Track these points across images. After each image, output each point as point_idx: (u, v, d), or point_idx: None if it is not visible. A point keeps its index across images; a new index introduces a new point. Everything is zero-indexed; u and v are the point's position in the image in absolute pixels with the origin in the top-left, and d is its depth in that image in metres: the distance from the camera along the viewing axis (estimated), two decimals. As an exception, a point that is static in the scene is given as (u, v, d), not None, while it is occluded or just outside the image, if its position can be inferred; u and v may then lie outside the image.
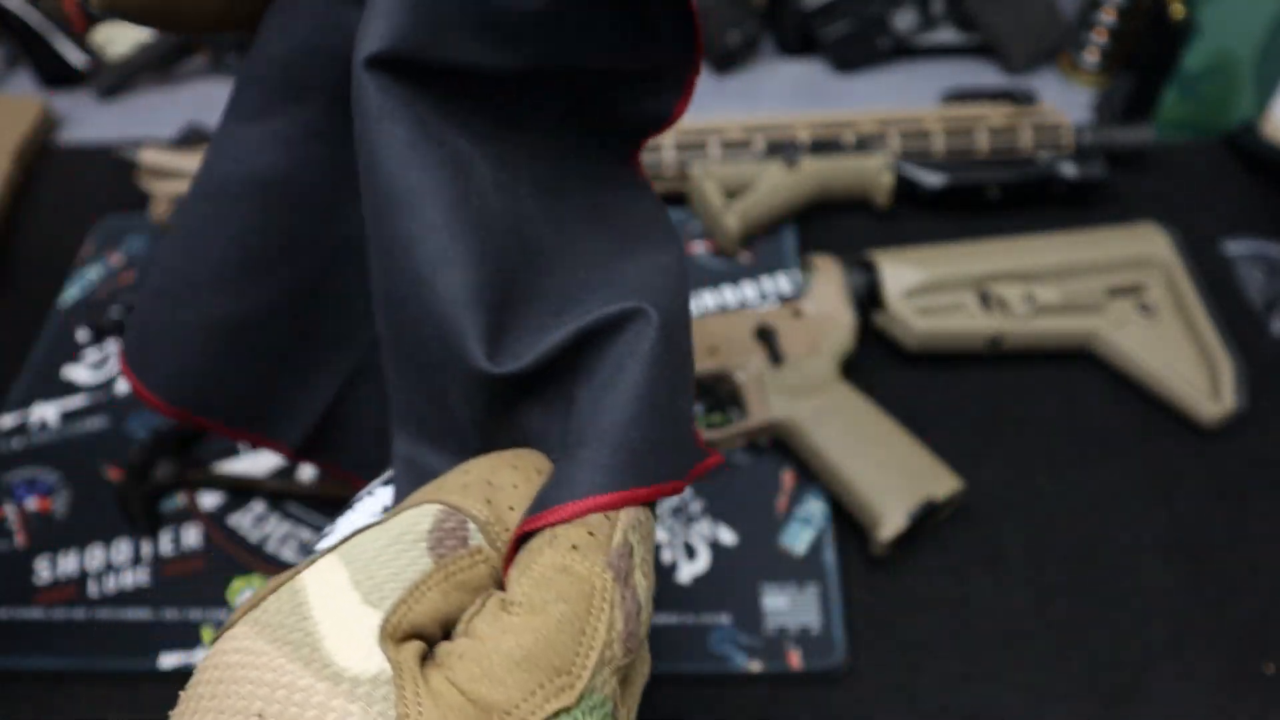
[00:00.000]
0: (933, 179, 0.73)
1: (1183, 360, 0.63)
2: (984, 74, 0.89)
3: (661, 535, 0.57)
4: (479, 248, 0.28)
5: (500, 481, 0.27)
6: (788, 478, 0.60)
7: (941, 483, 0.55)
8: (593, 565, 0.25)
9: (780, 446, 0.60)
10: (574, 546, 0.25)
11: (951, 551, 0.57)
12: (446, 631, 0.25)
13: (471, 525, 0.26)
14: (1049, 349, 0.65)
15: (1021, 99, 0.78)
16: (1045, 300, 0.64)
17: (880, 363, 0.65)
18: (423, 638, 0.24)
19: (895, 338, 0.65)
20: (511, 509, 0.26)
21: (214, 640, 0.25)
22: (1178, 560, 0.57)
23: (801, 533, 0.57)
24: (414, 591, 0.24)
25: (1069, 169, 0.73)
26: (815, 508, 0.58)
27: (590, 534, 0.25)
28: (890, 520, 0.54)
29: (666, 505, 0.58)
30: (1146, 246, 0.67)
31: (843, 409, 0.58)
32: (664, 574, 0.56)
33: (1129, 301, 0.65)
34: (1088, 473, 0.61)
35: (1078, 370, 0.66)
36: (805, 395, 0.59)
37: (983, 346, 0.64)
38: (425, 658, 0.24)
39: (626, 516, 0.26)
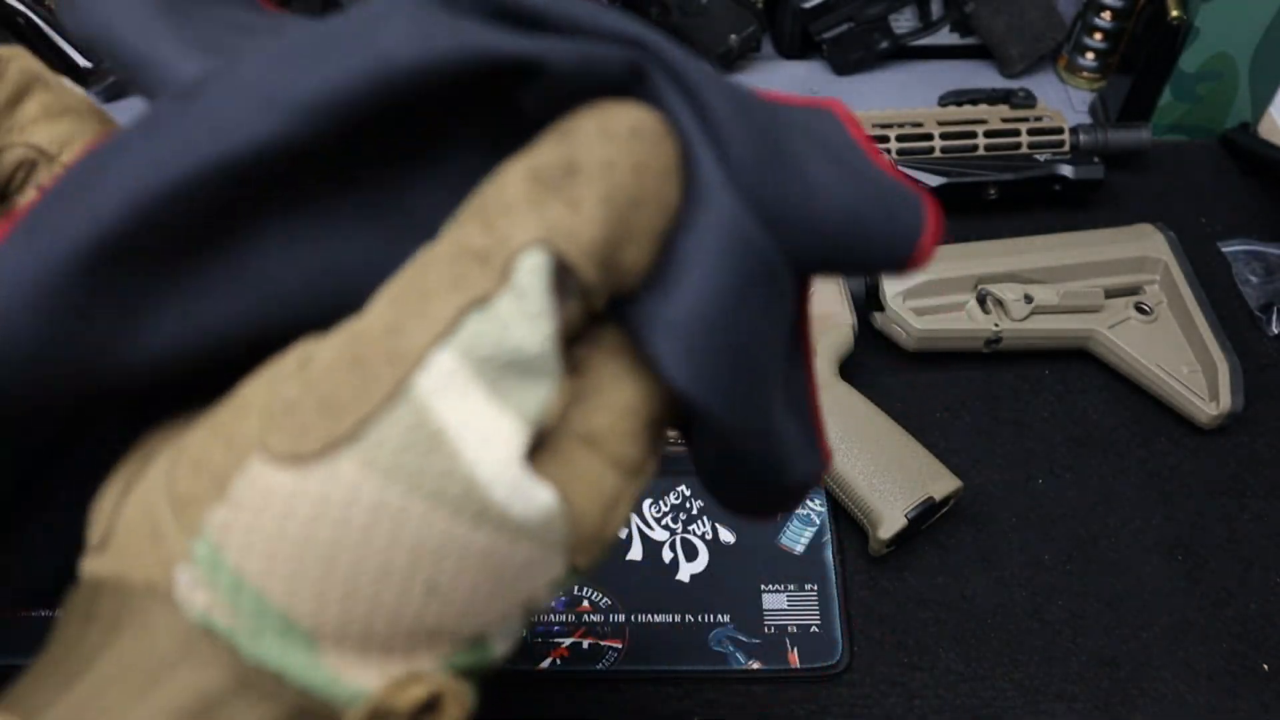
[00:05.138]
0: (931, 179, 0.73)
1: (1180, 360, 0.63)
2: (982, 76, 0.89)
3: (661, 535, 0.57)
4: None
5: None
6: (787, 477, 0.60)
7: (940, 482, 0.56)
8: None
9: (780, 446, 0.61)
10: None
11: (950, 551, 0.57)
12: None
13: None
14: (1047, 349, 0.66)
15: (1019, 100, 0.78)
16: (1043, 300, 0.64)
17: (879, 363, 0.66)
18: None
19: (894, 338, 0.65)
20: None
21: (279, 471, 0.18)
22: (1175, 559, 0.57)
23: (801, 532, 0.57)
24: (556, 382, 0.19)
25: (1067, 170, 0.73)
26: (815, 507, 0.58)
27: None
28: (889, 520, 0.54)
29: (667, 504, 0.58)
30: (1144, 247, 0.67)
31: (842, 409, 0.58)
32: (664, 573, 0.56)
33: (1127, 301, 0.66)
34: (1086, 472, 0.61)
35: (1076, 370, 0.66)
36: (804, 395, 0.59)
37: (981, 346, 0.65)
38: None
39: None
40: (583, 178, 0.19)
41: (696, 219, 0.20)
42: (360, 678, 0.19)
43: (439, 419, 0.18)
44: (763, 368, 0.22)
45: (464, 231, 0.19)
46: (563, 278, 0.19)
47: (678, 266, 0.20)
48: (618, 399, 0.21)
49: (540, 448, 0.20)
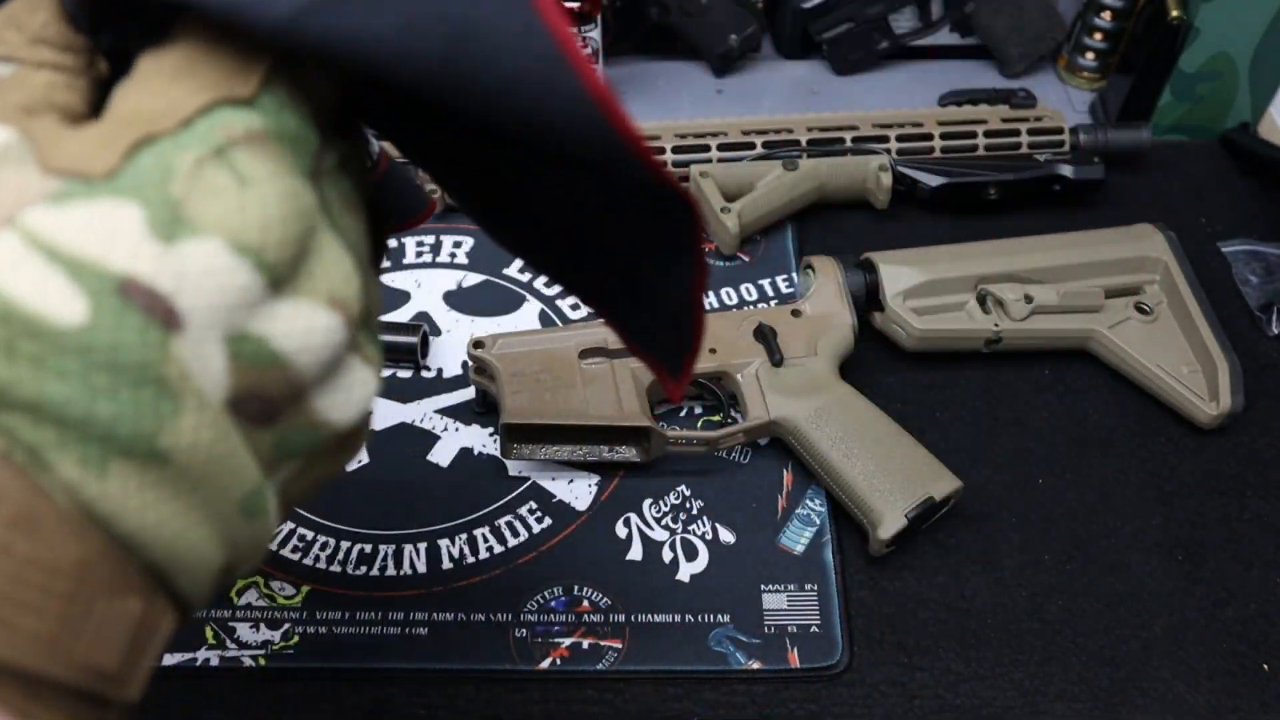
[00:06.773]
0: (931, 180, 0.73)
1: (1180, 360, 0.63)
2: (982, 76, 0.89)
3: (661, 535, 0.57)
4: None
5: None
6: (787, 477, 0.60)
7: (940, 482, 0.56)
8: None
9: (780, 446, 0.61)
10: None
11: (950, 551, 0.57)
12: None
13: None
14: (1047, 349, 0.66)
15: (1019, 100, 0.78)
16: (1043, 300, 0.64)
17: (879, 363, 0.66)
18: None
19: (894, 338, 0.65)
20: None
21: None
22: (1175, 559, 0.57)
23: (801, 532, 0.57)
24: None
25: (1067, 170, 0.73)
26: (815, 507, 0.58)
27: None
28: (889, 520, 0.54)
29: (667, 504, 0.58)
30: (1144, 247, 0.67)
31: (842, 409, 0.58)
32: (664, 573, 0.56)
33: (1127, 301, 0.66)
34: (1086, 472, 0.61)
35: (1076, 370, 0.66)
36: (804, 395, 0.59)
37: (981, 346, 0.65)
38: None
39: None
40: None
41: None
42: None
43: None
44: None
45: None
46: None
47: None
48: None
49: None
